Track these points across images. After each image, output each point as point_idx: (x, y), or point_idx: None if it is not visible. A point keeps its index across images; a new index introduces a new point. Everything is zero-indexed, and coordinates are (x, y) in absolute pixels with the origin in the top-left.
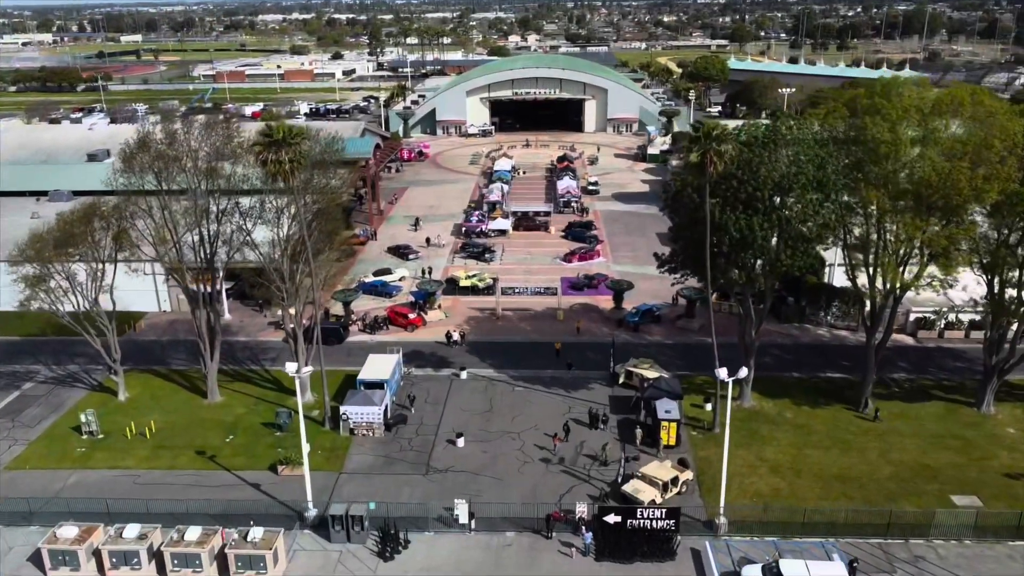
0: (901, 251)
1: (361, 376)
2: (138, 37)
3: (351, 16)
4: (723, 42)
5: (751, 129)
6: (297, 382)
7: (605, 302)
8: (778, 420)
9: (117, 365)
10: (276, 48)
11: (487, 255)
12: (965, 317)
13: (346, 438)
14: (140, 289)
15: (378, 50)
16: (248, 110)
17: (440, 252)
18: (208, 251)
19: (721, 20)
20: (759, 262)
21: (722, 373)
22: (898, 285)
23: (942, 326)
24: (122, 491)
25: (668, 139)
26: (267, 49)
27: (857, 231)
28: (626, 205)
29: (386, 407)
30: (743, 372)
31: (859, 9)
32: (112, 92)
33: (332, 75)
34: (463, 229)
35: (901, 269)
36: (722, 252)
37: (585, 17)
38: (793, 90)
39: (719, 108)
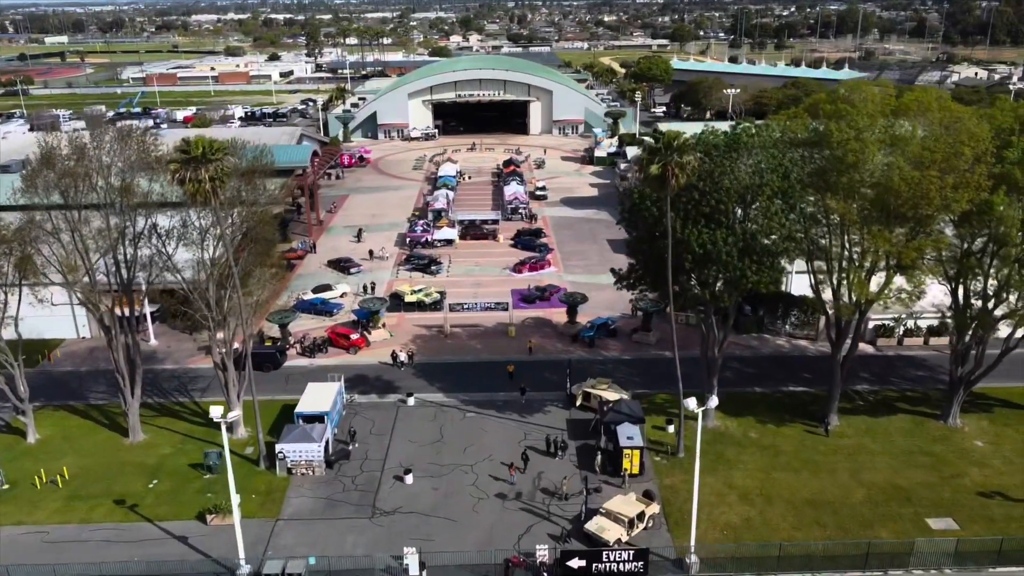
0: (867, 263)
1: (299, 409)
2: (64, 38)
3: (288, 16)
4: (664, 42)
5: (709, 137)
6: (223, 425)
7: (558, 315)
8: (744, 441)
9: (25, 404)
10: (210, 50)
11: (433, 267)
12: (923, 323)
13: (283, 478)
14: (56, 315)
15: (316, 51)
16: (180, 115)
17: (384, 265)
18: (125, 276)
19: (661, 20)
20: (722, 278)
21: (691, 403)
22: (864, 299)
23: (901, 333)
24: (27, 553)
25: (615, 141)
26: (201, 51)
27: (822, 242)
28: (575, 211)
29: (327, 442)
30: (714, 402)
31: (793, 9)
32: (34, 96)
33: (269, 77)
34: (407, 239)
35: (867, 281)
36: (683, 268)
37: (526, 17)
38: (737, 90)
39: (664, 109)
